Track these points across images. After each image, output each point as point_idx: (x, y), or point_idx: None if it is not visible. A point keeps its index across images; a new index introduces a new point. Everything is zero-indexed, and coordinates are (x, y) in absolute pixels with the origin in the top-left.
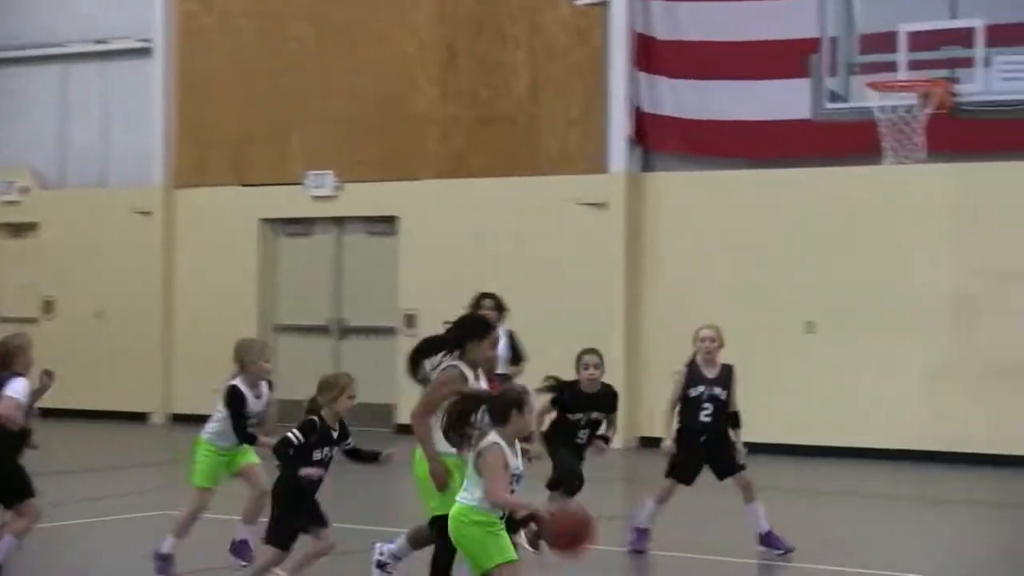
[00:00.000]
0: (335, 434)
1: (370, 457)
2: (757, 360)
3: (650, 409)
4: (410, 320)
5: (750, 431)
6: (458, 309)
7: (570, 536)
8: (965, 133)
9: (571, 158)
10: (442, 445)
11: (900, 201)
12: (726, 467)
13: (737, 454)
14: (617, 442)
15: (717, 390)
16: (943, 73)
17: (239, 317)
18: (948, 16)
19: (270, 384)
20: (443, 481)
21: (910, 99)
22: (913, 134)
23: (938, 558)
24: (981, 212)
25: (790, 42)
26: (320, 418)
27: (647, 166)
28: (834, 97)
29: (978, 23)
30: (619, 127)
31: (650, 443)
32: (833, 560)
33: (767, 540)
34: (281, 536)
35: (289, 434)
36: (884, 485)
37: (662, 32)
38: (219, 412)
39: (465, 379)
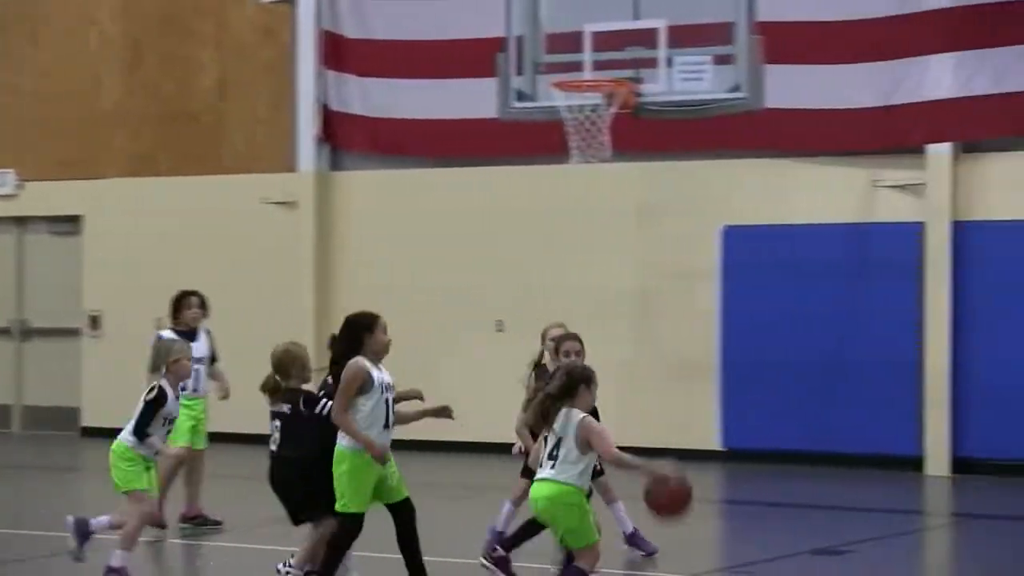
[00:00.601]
0: None
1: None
2: (450, 360)
3: None
4: (95, 321)
5: (446, 431)
6: (145, 310)
7: (677, 504)
8: (649, 133)
9: (259, 157)
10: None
11: (587, 200)
12: None
13: None
14: None
15: None
16: (627, 73)
17: None
18: (631, 17)
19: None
20: (383, 456)
21: (595, 99)
22: (599, 133)
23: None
24: (664, 211)
25: (478, 41)
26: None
27: (337, 165)
28: (521, 96)
29: (660, 24)
30: (307, 126)
31: None
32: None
33: (633, 540)
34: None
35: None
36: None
37: (350, 30)
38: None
39: (368, 371)
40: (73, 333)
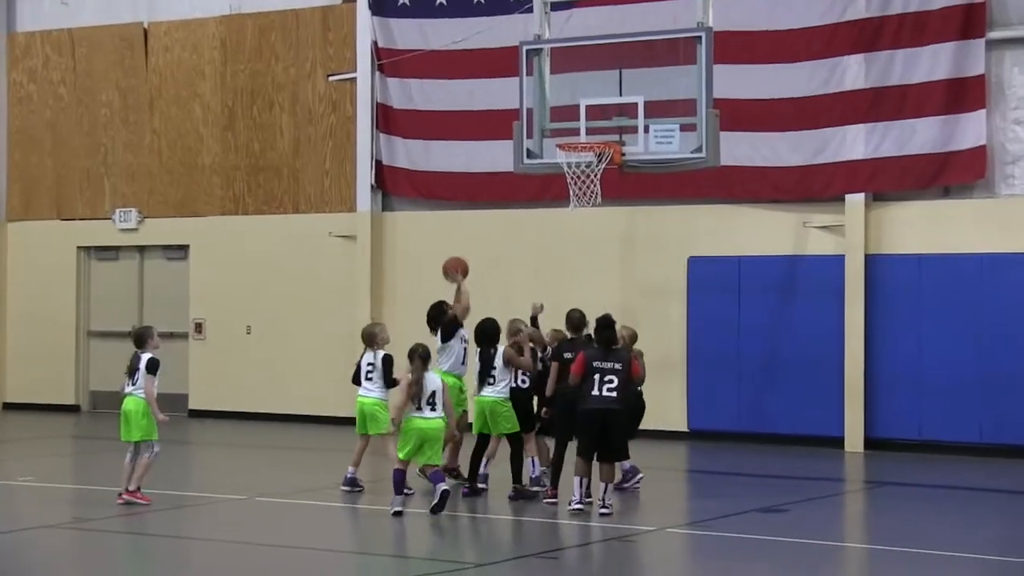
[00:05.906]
0: None
1: None
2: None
3: None
4: (199, 327)
5: None
6: (238, 318)
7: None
8: (630, 184)
9: (326, 200)
10: None
11: (581, 236)
12: None
13: None
14: None
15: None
16: (614, 137)
17: (60, 324)
18: (617, 93)
19: None
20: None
21: (589, 157)
22: (592, 184)
23: None
24: (643, 244)
25: (497, 112)
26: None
27: (387, 207)
28: (531, 155)
29: (639, 99)
30: (364, 176)
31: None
32: None
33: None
34: None
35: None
36: None
37: (397, 103)
38: None
39: None
40: (182, 336)
